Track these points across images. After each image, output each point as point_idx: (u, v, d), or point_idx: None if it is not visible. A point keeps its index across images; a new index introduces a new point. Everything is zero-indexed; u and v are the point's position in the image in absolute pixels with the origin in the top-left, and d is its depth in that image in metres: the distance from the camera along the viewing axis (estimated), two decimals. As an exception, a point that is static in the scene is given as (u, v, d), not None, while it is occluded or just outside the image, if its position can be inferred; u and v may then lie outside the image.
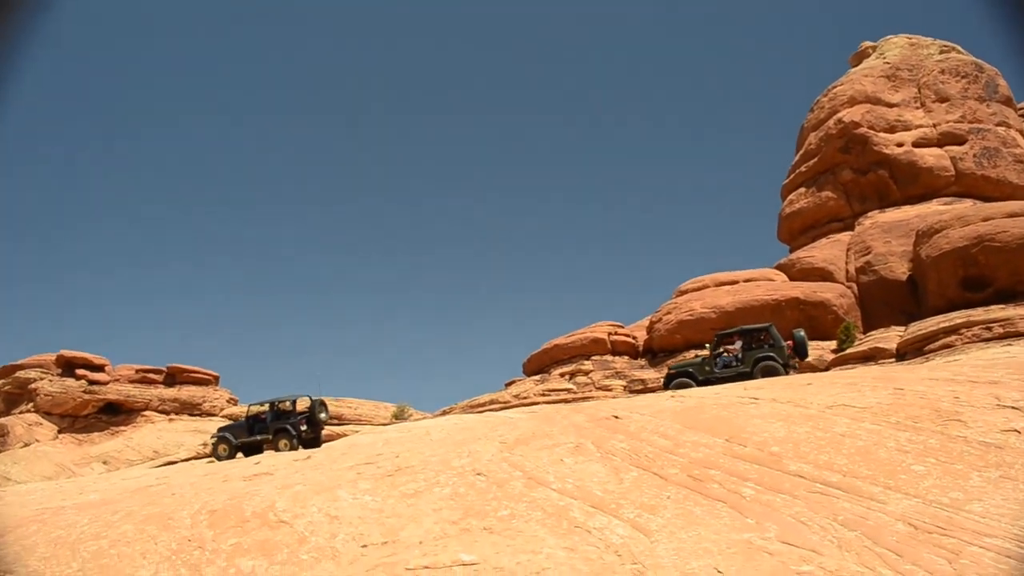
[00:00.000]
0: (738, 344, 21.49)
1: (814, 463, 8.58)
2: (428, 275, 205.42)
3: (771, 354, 20.44)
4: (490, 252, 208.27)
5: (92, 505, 11.61)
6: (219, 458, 23.23)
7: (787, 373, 19.81)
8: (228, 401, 55.91)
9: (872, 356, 37.27)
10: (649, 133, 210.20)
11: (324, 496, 9.02)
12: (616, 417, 11.52)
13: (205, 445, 40.05)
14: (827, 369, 36.86)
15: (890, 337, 38.23)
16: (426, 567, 6.66)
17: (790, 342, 21.41)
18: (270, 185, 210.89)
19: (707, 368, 20.97)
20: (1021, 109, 51.96)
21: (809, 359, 39.74)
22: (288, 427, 23.49)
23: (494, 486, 8.69)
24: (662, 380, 23.01)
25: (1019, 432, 8.94)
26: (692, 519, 7.49)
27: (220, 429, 25.08)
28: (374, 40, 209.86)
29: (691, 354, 21.80)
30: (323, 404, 25.07)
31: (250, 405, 25.99)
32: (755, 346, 21.04)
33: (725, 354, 21.38)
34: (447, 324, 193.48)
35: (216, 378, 58.25)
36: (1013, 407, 9.74)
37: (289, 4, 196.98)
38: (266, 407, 24.65)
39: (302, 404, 25.07)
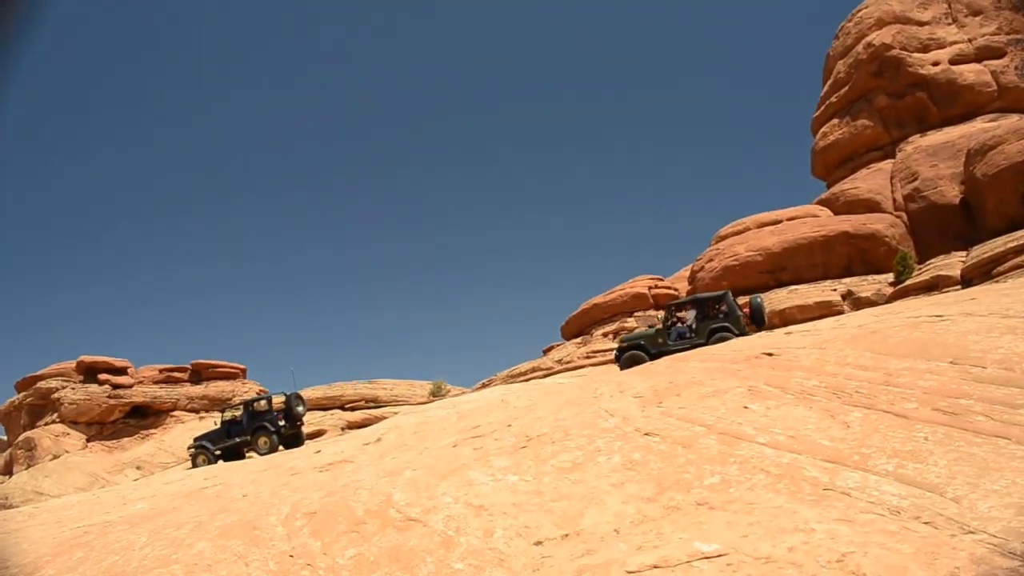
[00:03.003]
0: (691, 314, 19.64)
1: (1096, 379, 6.48)
2: (449, 248, 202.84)
3: (726, 324, 18.81)
4: (512, 217, 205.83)
5: (144, 517, 9.55)
6: None
7: None
8: (258, 393, 53.99)
9: (935, 285, 35.09)
10: (667, 83, 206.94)
11: (453, 480, 6.91)
12: (769, 354, 9.40)
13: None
14: (888, 303, 34.74)
15: (952, 264, 36.04)
16: (654, 566, 4.58)
17: (746, 309, 19.50)
18: (278, 178, 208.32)
19: (660, 340, 19.22)
20: (1059, 14, 49.23)
21: (868, 294, 37.66)
22: (266, 424, 22.99)
23: (678, 447, 6.58)
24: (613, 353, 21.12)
25: None
26: (983, 464, 5.38)
27: (197, 438, 24.33)
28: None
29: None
30: (299, 398, 24.56)
31: (223, 410, 25.49)
32: (710, 315, 19.31)
33: (679, 324, 19.50)
34: (472, 296, 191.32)
35: (243, 371, 56.28)
36: None
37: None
38: (240, 410, 24.18)
39: (277, 401, 24.68)
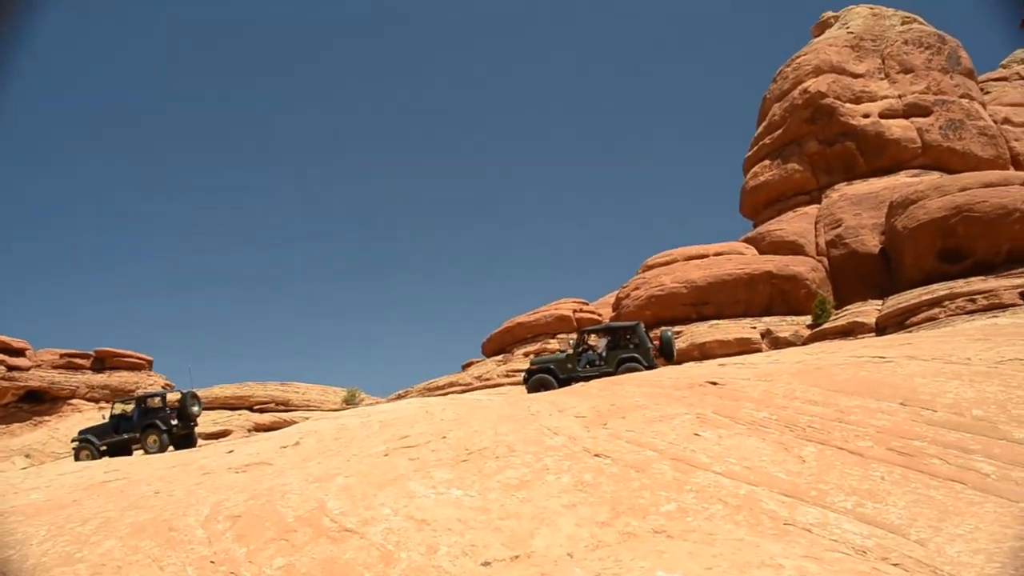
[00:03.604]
0: (603, 342, 19.75)
1: (1044, 430, 6.48)
2: (371, 253, 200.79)
3: (635, 355, 18.81)
4: (438, 231, 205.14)
5: (42, 510, 8.83)
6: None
7: None
8: (164, 387, 51.98)
9: (851, 331, 35.98)
10: (604, 109, 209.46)
11: (392, 491, 6.49)
12: (713, 383, 9.27)
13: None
14: (804, 345, 35.43)
15: (868, 311, 37.04)
16: (616, 596, 4.29)
17: (657, 342, 19.73)
18: (207, 164, 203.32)
19: (569, 365, 19.16)
20: (981, 82, 51.46)
21: (786, 335, 38.40)
22: (157, 422, 22.00)
23: (631, 471, 6.32)
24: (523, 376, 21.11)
25: None
26: (943, 508, 5.28)
27: (82, 431, 23.10)
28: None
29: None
30: (195, 397, 23.54)
31: (114, 403, 24.33)
32: (621, 345, 19.34)
33: (589, 351, 19.59)
34: (388, 306, 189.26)
35: (150, 362, 54.07)
36: None
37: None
38: (131, 405, 23.20)
39: (172, 399, 23.85)
